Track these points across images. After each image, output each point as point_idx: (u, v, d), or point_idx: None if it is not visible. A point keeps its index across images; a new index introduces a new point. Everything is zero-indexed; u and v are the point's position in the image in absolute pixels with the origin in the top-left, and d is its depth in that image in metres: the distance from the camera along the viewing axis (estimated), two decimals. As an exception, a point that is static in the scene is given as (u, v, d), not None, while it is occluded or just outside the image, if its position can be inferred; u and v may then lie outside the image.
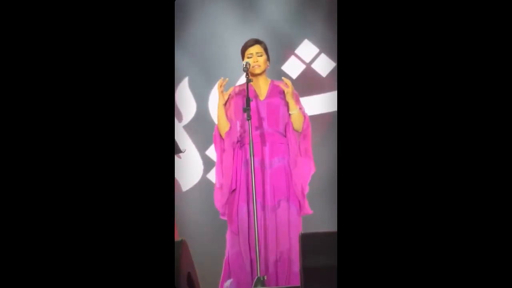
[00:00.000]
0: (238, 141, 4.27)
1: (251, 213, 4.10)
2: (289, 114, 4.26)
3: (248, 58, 4.29)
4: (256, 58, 4.29)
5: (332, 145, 5.63)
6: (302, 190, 4.26)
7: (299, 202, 4.23)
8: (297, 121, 4.26)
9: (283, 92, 4.24)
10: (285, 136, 4.27)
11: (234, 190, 4.22)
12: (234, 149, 4.27)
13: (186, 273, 3.31)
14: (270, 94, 4.31)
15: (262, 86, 4.33)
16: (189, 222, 5.43)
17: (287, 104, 4.26)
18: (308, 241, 3.28)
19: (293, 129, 4.27)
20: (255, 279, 3.91)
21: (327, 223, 5.22)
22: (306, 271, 3.19)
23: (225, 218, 4.28)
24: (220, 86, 4.24)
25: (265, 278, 3.94)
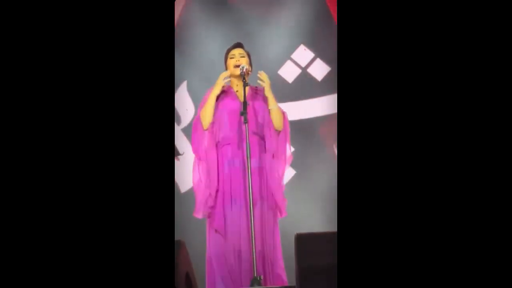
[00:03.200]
0: (218, 142, 4.26)
1: (235, 214, 4.12)
2: (269, 110, 4.25)
3: (231, 58, 4.33)
4: (239, 58, 4.31)
5: (330, 149, 5.70)
6: (279, 190, 4.25)
7: (275, 203, 4.22)
8: (276, 117, 4.25)
9: (262, 93, 4.27)
10: (263, 138, 4.26)
11: (217, 192, 4.21)
12: (216, 148, 4.25)
13: (184, 273, 3.33)
14: (249, 97, 4.29)
15: (240, 88, 4.30)
16: (187, 223, 5.45)
17: (265, 101, 4.26)
18: (305, 241, 3.30)
19: (275, 128, 4.26)
20: (252, 279, 3.94)
21: (325, 224, 5.29)
22: (302, 271, 3.21)
23: (200, 217, 4.27)
24: (224, 78, 4.24)
25: (262, 278, 3.97)
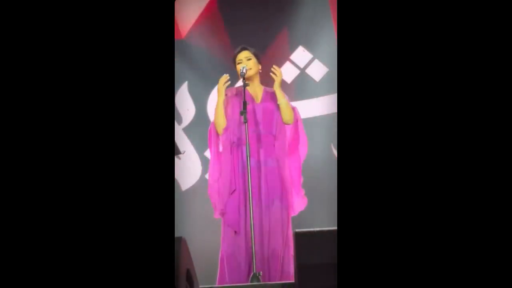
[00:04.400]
0: (233, 142, 4.36)
1: (249, 212, 4.17)
2: (277, 105, 4.33)
3: (239, 63, 4.40)
4: (246, 62, 4.39)
5: (327, 148, 5.75)
6: (296, 184, 4.34)
7: (290, 201, 4.30)
8: (286, 111, 4.34)
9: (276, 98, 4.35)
10: (274, 137, 4.33)
11: (234, 190, 4.29)
12: (231, 150, 4.35)
13: (185, 270, 3.31)
14: (264, 99, 4.39)
15: (257, 90, 4.42)
16: (188, 220, 5.50)
17: (276, 99, 4.33)
18: (303, 239, 3.32)
19: (283, 122, 4.35)
20: (251, 275, 4.00)
21: (325, 222, 5.32)
22: (301, 268, 3.20)
23: (220, 216, 4.35)
24: (224, 83, 4.33)
25: (261, 274, 4.02)
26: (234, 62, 4.48)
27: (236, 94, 4.41)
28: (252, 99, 4.38)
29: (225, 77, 4.35)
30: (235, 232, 4.23)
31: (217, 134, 4.38)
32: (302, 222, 4.69)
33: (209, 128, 4.46)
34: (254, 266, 4.00)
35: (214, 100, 4.59)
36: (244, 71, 4.31)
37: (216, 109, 4.38)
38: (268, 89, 4.45)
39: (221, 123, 4.35)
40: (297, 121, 4.43)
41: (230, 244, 4.24)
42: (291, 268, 4.22)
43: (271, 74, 4.35)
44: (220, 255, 4.31)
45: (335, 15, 5.63)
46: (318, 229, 3.41)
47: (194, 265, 3.54)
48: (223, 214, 4.32)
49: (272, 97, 4.40)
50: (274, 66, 4.40)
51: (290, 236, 4.26)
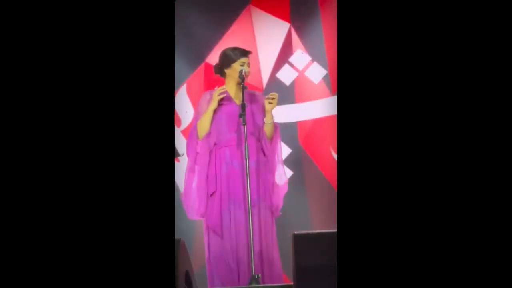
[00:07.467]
0: (215, 144, 4.37)
1: (234, 215, 4.18)
2: (264, 123, 4.34)
3: (241, 66, 4.40)
4: (247, 67, 4.39)
5: (326, 151, 5.75)
6: (272, 191, 4.35)
7: (272, 203, 4.30)
8: (270, 130, 4.34)
9: (258, 101, 4.38)
10: (260, 140, 4.35)
11: (214, 193, 4.29)
12: (210, 152, 4.34)
13: (184, 272, 3.34)
14: (247, 100, 4.35)
15: (237, 91, 4.42)
16: (187, 223, 5.50)
17: (262, 113, 4.35)
18: (302, 241, 3.33)
19: (267, 137, 4.35)
20: (250, 277, 4.00)
21: (322, 224, 5.35)
22: (300, 271, 3.21)
23: (197, 218, 4.35)
24: (218, 94, 4.31)
25: (260, 276, 4.02)
26: (232, 59, 4.44)
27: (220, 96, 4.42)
28: (232, 100, 4.39)
29: (222, 88, 4.35)
30: (220, 236, 4.21)
31: (197, 139, 4.36)
32: (301, 225, 4.70)
33: (190, 129, 4.43)
34: (253, 268, 3.99)
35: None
36: (243, 73, 4.32)
37: (205, 115, 4.36)
38: (249, 90, 4.45)
39: (206, 129, 4.33)
40: (276, 135, 4.43)
41: (215, 246, 4.23)
42: (279, 270, 4.22)
43: (266, 100, 4.33)
44: (206, 258, 4.29)
45: (324, 16, 5.66)
46: (317, 231, 3.42)
47: (192, 267, 3.55)
48: (202, 216, 4.31)
49: (253, 99, 4.41)
50: (274, 94, 4.37)
51: (274, 238, 4.26)
